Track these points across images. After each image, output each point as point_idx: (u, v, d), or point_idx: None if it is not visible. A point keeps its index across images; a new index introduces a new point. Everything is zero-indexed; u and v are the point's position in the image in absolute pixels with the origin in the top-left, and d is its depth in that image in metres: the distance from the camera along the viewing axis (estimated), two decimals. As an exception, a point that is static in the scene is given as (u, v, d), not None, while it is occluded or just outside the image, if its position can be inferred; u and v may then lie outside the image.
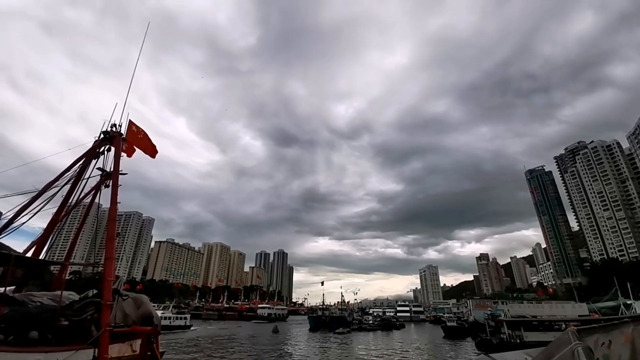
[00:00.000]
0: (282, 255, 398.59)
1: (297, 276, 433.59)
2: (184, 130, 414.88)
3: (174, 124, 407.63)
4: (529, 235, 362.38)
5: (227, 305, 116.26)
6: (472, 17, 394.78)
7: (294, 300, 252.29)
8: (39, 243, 9.00)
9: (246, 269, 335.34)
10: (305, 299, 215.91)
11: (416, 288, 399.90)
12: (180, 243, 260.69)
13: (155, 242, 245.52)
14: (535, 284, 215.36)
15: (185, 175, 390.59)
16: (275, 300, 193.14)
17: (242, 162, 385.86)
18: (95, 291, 8.18)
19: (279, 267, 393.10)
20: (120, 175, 10.55)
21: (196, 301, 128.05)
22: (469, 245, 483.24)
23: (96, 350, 6.55)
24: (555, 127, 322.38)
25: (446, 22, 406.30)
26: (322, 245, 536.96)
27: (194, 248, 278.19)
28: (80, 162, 9.40)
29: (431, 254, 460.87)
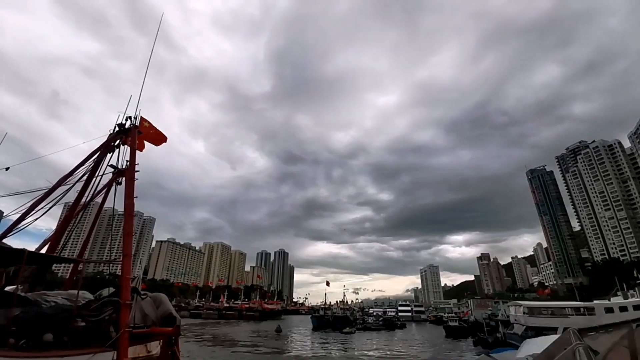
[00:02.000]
0: (282, 255, 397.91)
1: (298, 277, 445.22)
2: (201, 151, 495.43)
3: (193, 146, 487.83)
4: (518, 240, 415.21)
5: (227, 305, 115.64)
6: (452, 70, 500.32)
7: (294, 299, 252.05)
8: (52, 240, 8.63)
9: (247, 268, 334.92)
10: (306, 298, 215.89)
11: (417, 288, 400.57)
12: (182, 243, 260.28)
13: (157, 241, 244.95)
14: (536, 283, 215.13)
15: (199, 186, 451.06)
16: (276, 299, 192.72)
17: (251, 177, 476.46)
18: (112, 290, 7.81)
19: (280, 266, 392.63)
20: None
21: (196, 300, 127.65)
22: (459, 249, 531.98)
23: (115, 353, 6.18)
24: (527, 150, 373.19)
25: (430, 73, 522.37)
26: (322, 248, 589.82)
27: (195, 248, 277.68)
28: (95, 157, 9.02)
29: (424, 256, 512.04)
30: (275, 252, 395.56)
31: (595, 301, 38.27)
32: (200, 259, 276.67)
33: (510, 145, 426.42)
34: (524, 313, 33.37)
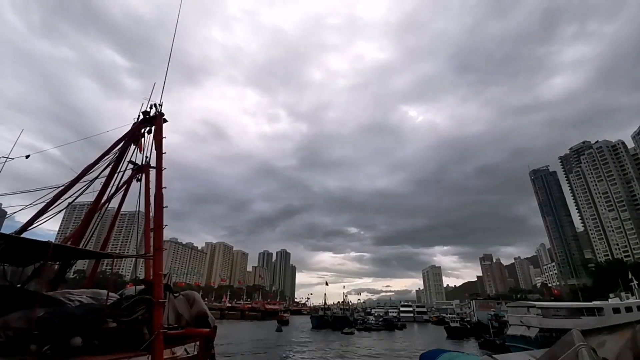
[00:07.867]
0: (284, 255, 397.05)
1: (300, 278, 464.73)
2: (237, 191, 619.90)
3: (230, 185, 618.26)
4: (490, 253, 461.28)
5: (230, 305, 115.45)
6: (419, 154, 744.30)
7: (296, 300, 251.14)
8: (76, 235, 8.04)
9: (249, 268, 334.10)
10: (308, 298, 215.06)
11: (419, 288, 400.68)
12: (184, 242, 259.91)
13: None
14: (539, 284, 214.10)
15: (229, 210, 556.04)
16: (278, 299, 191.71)
17: (270, 205, 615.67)
18: (136, 287, 7.21)
19: (282, 267, 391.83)
20: (151, 167, 9.77)
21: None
22: (435, 259, 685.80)
23: (150, 356, 5.57)
24: (477, 195, 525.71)
25: (403, 154, 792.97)
26: (322, 258, 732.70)
27: (198, 247, 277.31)
28: (119, 146, 8.43)
29: (414, 262, 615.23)
30: (277, 252, 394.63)
31: (601, 302, 38.06)
32: (202, 258, 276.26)
33: (461, 192, 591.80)
34: (537, 314, 32.10)
